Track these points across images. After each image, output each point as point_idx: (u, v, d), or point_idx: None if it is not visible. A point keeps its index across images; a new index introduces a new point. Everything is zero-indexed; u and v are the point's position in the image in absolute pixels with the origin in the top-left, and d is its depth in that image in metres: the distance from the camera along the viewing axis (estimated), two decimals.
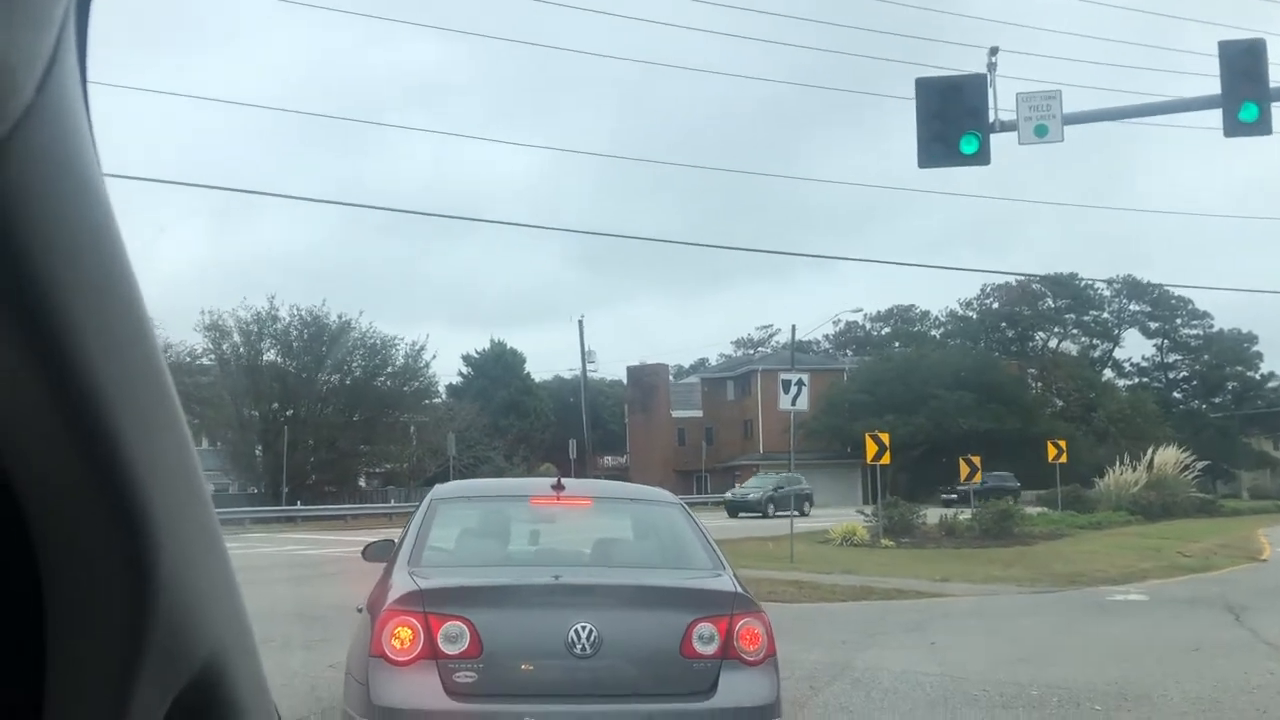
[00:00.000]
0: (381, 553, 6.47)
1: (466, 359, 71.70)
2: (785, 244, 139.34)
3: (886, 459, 25.34)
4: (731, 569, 5.78)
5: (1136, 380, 79.43)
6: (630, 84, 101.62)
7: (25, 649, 0.77)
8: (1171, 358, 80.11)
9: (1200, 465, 41.54)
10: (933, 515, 28.78)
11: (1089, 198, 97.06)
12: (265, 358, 46.72)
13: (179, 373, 39.55)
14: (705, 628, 5.10)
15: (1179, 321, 77.89)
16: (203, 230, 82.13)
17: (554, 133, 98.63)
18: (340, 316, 47.48)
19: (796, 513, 41.10)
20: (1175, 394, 78.94)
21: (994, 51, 14.50)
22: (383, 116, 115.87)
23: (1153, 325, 78.48)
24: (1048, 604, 15.72)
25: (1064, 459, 36.22)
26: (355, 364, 48.65)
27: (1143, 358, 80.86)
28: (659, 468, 63.24)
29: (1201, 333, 77.68)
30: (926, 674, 9.65)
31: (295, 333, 46.89)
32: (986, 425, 59.02)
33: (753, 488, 46.22)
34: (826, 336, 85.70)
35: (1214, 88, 13.28)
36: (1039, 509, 34.38)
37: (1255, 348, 76.34)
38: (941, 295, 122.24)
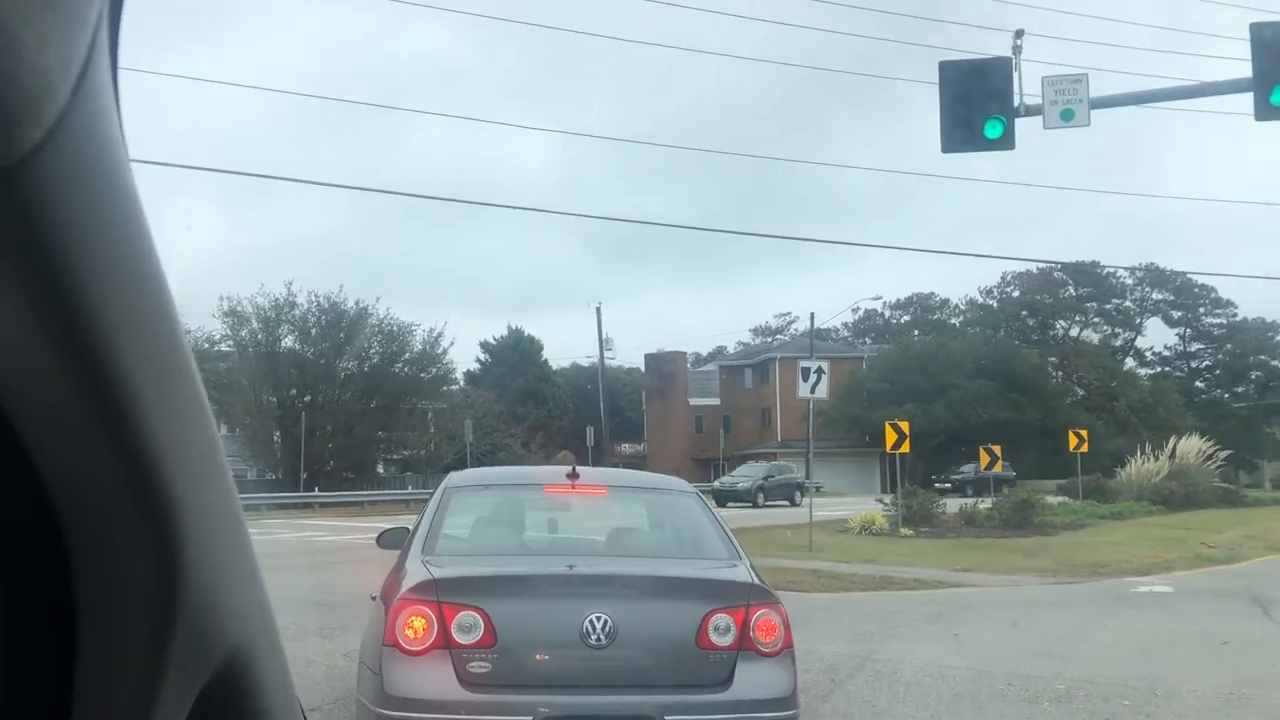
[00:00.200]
0: (396, 540, 6.44)
1: (484, 346, 71.75)
2: (805, 230, 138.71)
3: (906, 448, 25.17)
4: (748, 559, 5.71)
5: (1158, 369, 78.77)
6: (649, 69, 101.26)
7: (54, 639, 0.77)
8: (1194, 347, 79.38)
9: (1223, 455, 41.04)
10: (952, 504, 28.57)
11: (1112, 184, 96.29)
12: (283, 344, 46.73)
13: (198, 359, 39.19)
14: (721, 619, 5.05)
15: (1202, 310, 77.12)
16: (221, 215, 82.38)
17: (574, 118, 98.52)
18: (357, 303, 47.49)
19: (786, 502, 40.89)
20: (1198, 383, 78.22)
21: (1019, 34, 14.25)
22: (401, 101, 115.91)
23: (1175, 314, 77.75)
24: (1071, 595, 15.52)
25: (1085, 448, 35.90)
26: (373, 350, 48.60)
27: (1165, 347, 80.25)
28: (677, 456, 63.17)
29: (1225, 322, 76.90)
30: (950, 667, 9.49)
31: (313, 319, 46.88)
32: (1007, 414, 58.67)
33: (742, 476, 45.27)
34: (845, 324, 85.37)
35: (1244, 71, 13.03)
36: (1060, 499, 34.07)
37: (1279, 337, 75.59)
38: (961, 283, 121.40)
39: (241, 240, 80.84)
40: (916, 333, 79.04)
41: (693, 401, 72.54)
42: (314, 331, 46.97)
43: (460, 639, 4.86)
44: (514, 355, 69.64)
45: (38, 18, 0.54)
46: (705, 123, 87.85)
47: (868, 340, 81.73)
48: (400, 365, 49.20)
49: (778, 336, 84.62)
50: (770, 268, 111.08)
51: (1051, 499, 31.86)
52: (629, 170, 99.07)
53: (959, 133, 13.59)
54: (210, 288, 47.29)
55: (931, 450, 55.36)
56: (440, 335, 49.91)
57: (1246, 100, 12.87)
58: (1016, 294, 78.29)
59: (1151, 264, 72.05)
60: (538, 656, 4.95)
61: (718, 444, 67.07)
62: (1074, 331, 78.20)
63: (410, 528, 6.35)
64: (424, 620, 4.88)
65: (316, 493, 41.00)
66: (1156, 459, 38.53)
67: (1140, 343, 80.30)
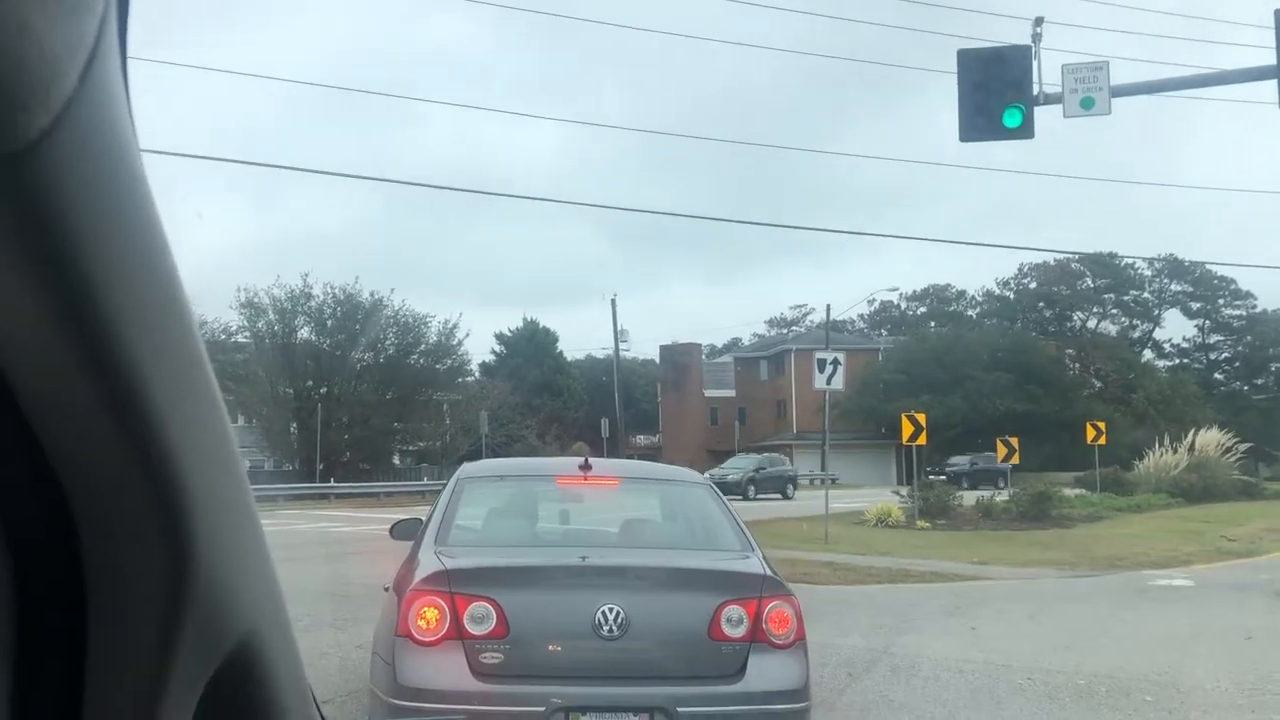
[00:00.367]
0: (409, 531, 6.44)
1: (499, 337, 71.81)
2: (821, 221, 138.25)
3: (923, 440, 25.04)
4: (760, 551, 5.69)
5: (1177, 361, 78.14)
6: (664, 58, 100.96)
7: (65, 626, 0.78)
8: (1213, 338, 78.72)
9: (1242, 448, 40.69)
10: (969, 497, 28.41)
11: (1130, 174, 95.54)
12: (299, 335, 46.87)
13: (214, 350, 39.83)
14: (734, 610, 5.04)
15: (1221, 302, 76.47)
16: (239, 207, 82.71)
17: (591, 108, 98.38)
18: (372, 294, 47.58)
19: (778, 495, 40.50)
20: (1216, 375, 77.57)
21: (1039, 22, 14.10)
22: (418, 91, 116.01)
23: (1194, 305, 77.13)
24: (1089, 588, 15.38)
25: (1103, 441, 35.67)
26: (388, 342, 48.71)
27: (1183, 338, 79.59)
28: (692, 447, 63.08)
29: (1244, 313, 76.21)
30: (968, 661, 9.39)
31: (329, 310, 47.01)
32: (1023, 406, 58.40)
33: (732, 468, 44.72)
34: (861, 316, 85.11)
35: (1266, 59, 12.85)
36: (1077, 491, 33.86)
37: None
38: (978, 274, 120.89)
39: (259, 231, 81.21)
40: (933, 324, 78.72)
41: (708, 393, 72.43)
42: (330, 323, 47.10)
43: (473, 630, 4.85)
44: (529, 347, 69.65)
45: (46, 3, 0.54)
46: (722, 113, 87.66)
47: (884, 332, 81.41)
48: (416, 357, 49.31)
49: (793, 328, 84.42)
50: (786, 259, 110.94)
51: (1069, 491, 31.66)
52: (645, 161, 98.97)
53: (977, 121, 13.46)
54: (228, 279, 47.57)
55: (948, 442, 55.14)
56: (455, 327, 50.04)
57: (1268, 88, 12.71)
58: (1033, 285, 77.82)
59: (1170, 255, 71.53)
60: (550, 647, 4.94)
61: (733, 436, 66.95)
62: (1091, 323, 77.69)
63: (423, 519, 6.33)
64: (437, 611, 4.87)
65: (332, 484, 41.17)
66: (1175, 451, 38.23)
67: (1158, 334, 79.79)
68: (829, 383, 21.11)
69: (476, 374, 59.77)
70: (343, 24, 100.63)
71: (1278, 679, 8.86)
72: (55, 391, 0.68)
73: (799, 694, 5.10)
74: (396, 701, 4.82)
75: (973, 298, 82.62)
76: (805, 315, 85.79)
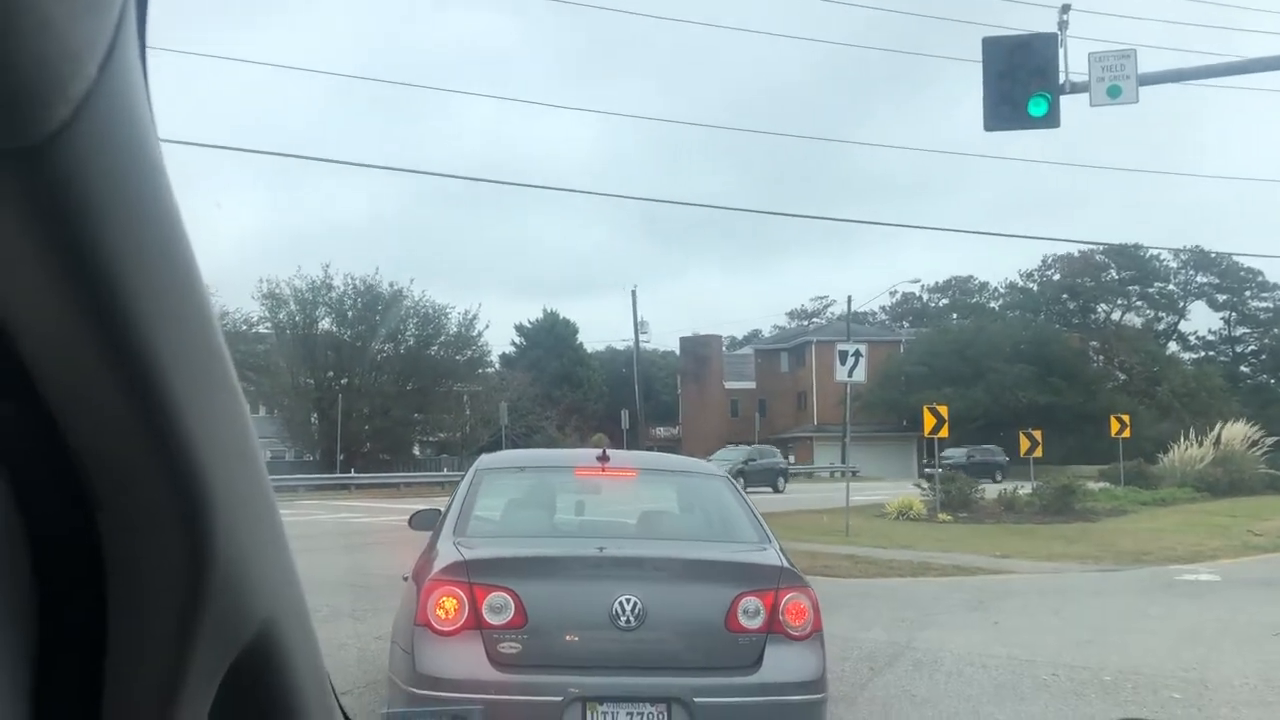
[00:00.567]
0: (428, 521, 6.51)
1: (519, 329, 71.87)
2: (843, 212, 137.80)
3: (945, 432, 24.91)
4: (777, 543, 5.71)
5: (1202, 354, 77.47)
6: (689, 48, 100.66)
7: (85, 616, 0.79)
8: (1239, 331, 78.00)
9: (1269, 441, 40.21)
10: (991, 490, 28.22)
11: (1156, 164, 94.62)
12: (320, 326, 47.02)
13: (236, 340, 40.00)
14: (751, 602, 5.06)
15: (1248, 294, 75.73)
16: (262, 197, 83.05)
17: (612, 98, 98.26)
18: (392, 285, 47.67)
19: (769, 489, 39.95)
20: (1243, 368, 76.87)
21: (1065, 9, 13.93)
22: (440, 83, 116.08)
23: (1220, 297, 76.41)
24: (1114, 583, 15.22)
25: (1127, 434, 35.37)
26: (409, 333, 48.79)
27: (1209, 331, 78.91)
28: (712, 439, 62.94)
29: (1272, 305, 75.44)
30: (992, 655, 9.28)
31: (349, 301, 47.11)
32: (1046, 399, 58.03)
33: (721, 460, 44.36)
34: (883, 308, 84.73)
35: None
36: (1101, 484, 33.57)
37: None
38: (1001, 266, 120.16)
39: (281, 222, 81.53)
40: (955, 316, 78.31)
41: (728, 385, 72.30)
42: (350, 314, 47.22)
43: (491, 619, 4.88)
44: (549, 338, 69.69)
45: None
46: (745, 104, 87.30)
47: (905, 324, 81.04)
48: (436, 348, 49.38)
49: (814, 320, 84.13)
50: (807, 250, 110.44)
51: (1093, 485, 31.40)
52: (666, 152, 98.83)
53: (1002, 110, 13.31)
54: (250, 270, 47.75)
55: (970, 435, 54.84)
56: (475, 318, 50.08)
57: None
58: (1057, 277, 77.27)
59: (1196, 246, 70.72)
60: (568, 637, 4.97)
61: (753, 428, 66.84)
62: (1115, 315, 77.09)
63: (442, 509, 6.38)
64: (455, 601, 4.91)
65: (353, 474, 41.28)
66: (1200, 445, 37.84)
67: (1184, 327, 79.13)
68: (850, 375, 20.98)
69: (496, 365, 59.78)
70: (364, 14, 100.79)
71: None
72: (76, 382, 0.68)
73: (815, 685, 5.11)
74: (415, 690, 4.85)
75: (995, 289, 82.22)
76: (826, 307, 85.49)
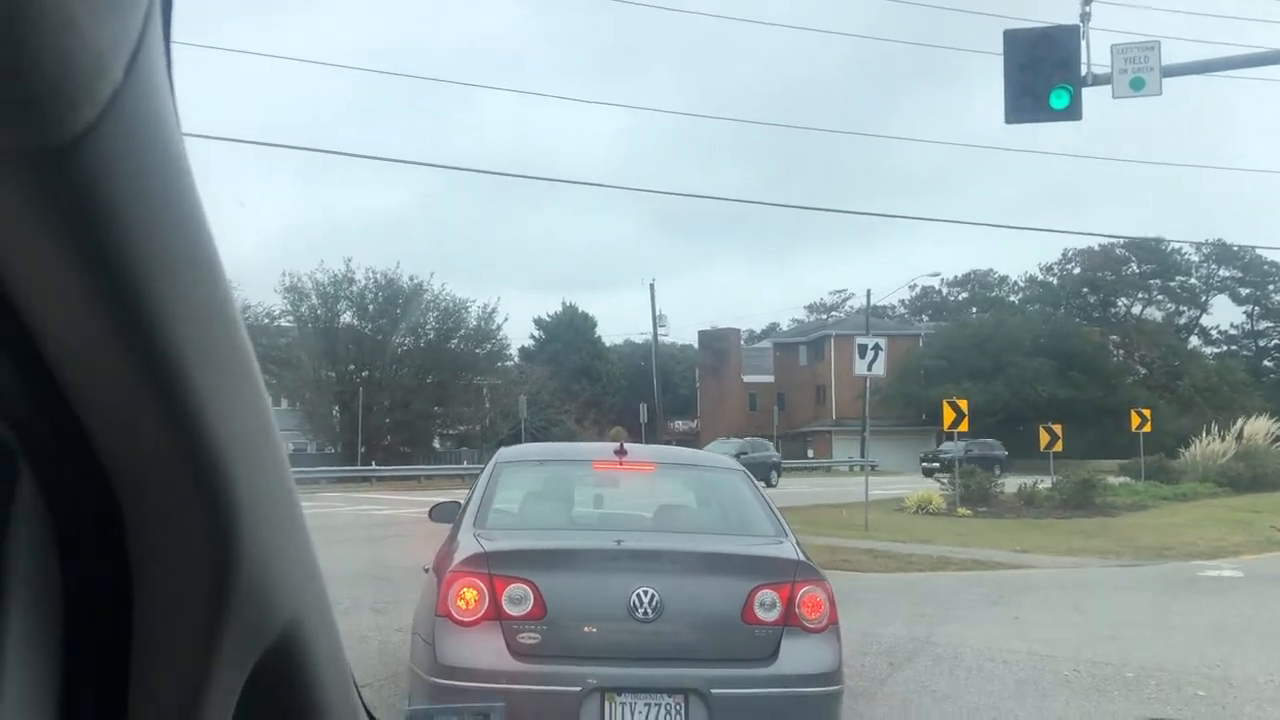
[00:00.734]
0: (447, 514, 6.56)
1: (538, 322, 71.92)
2: (863, 205, 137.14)
3: (964, 426, 24.80)
4: (794, 536, 5.75)
5: (1225, 348, 76.81)
6: (706, 43, 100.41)
7: (111, 615, 0.79)
8: (1262, 325, 77.27)
9: None
10: (1010, 484, 28.08)
11: (1177, 156, 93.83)
12: (342, 320, 47.21)
13: (258, 334, 40.23)
14: (767, 594, 5.10)
15: (1271, 287, 74.99)
16: (282, 191, 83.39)
17: (631, 93, 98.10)
18: (412, 279, 47.82)
19: (762, 483, 39.52)
20: (1266, 362, 76.17)
21: (1088, 0, 13.82)
22: (462, 77, 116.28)
23: (1243, 291, 75.71)
24: (1135, 578, 15.13)
25: (1148, 428, 35.12)
26: (429, 326, 48.94)
27: (1231, 325, 78.20)
28: (730, 433, 62.87)
29: None
30: (1012, 650, 9.25)
31: (370, 295, 47.31)
32: (1066, 393, 57.68)
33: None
34: (902, 302, 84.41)
35: None
36: (1122, 479, 33.36)
37: None
38: (1021, 260, 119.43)
39: (303, 216, 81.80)
40: (975, 310, 77.93)
41: (747, 379, 72.16)
42: (371, 308, 47.41)
43: (510, 610, 4.93)
44: (568, 332, 69.71)
45: None
46: (765, 97, 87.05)
47: (925, 318, 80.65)
48: (456, 341, 49.50)
49: (833, 313, 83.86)
50: (826, 244, 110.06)
51: (1113, 480, 31.20)
52: (686, 145, 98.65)
53: (1024, 103, 13.24)
54: (272, 263, 47.96)
55: (989, 429, 54.58)
56: (494, 311, 50.18)
57: None
58: (1077, 271, 76.76)
59: (1219, 240, 70.09)
60: (586, 629, 5.02)
61: (772, 421, 66.72)
62: (1136, 309, 76.53)
63: (461, 502, 6.46)
64: (475, 592, 4.96)
65: (374, 467, 41.47)
66: (1222, 439, 37.55)
67: (1205, 321, 78.46)
68: (870, 368, 20.93)
69: (516, 358, 59.89)
70: (385, 7, 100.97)
71: None
72: (101, 383, 0.68)
73: (831, 677, 5.15)
74: (436, 680, 4.91)
75: (1015, 283, 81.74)
76: (845, 300, 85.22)
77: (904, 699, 7.75)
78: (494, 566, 5.01)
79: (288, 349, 44.65)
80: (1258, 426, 38.85)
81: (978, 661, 8.84)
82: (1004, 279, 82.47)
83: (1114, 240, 72.91)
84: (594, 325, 71.61)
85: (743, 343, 76.64)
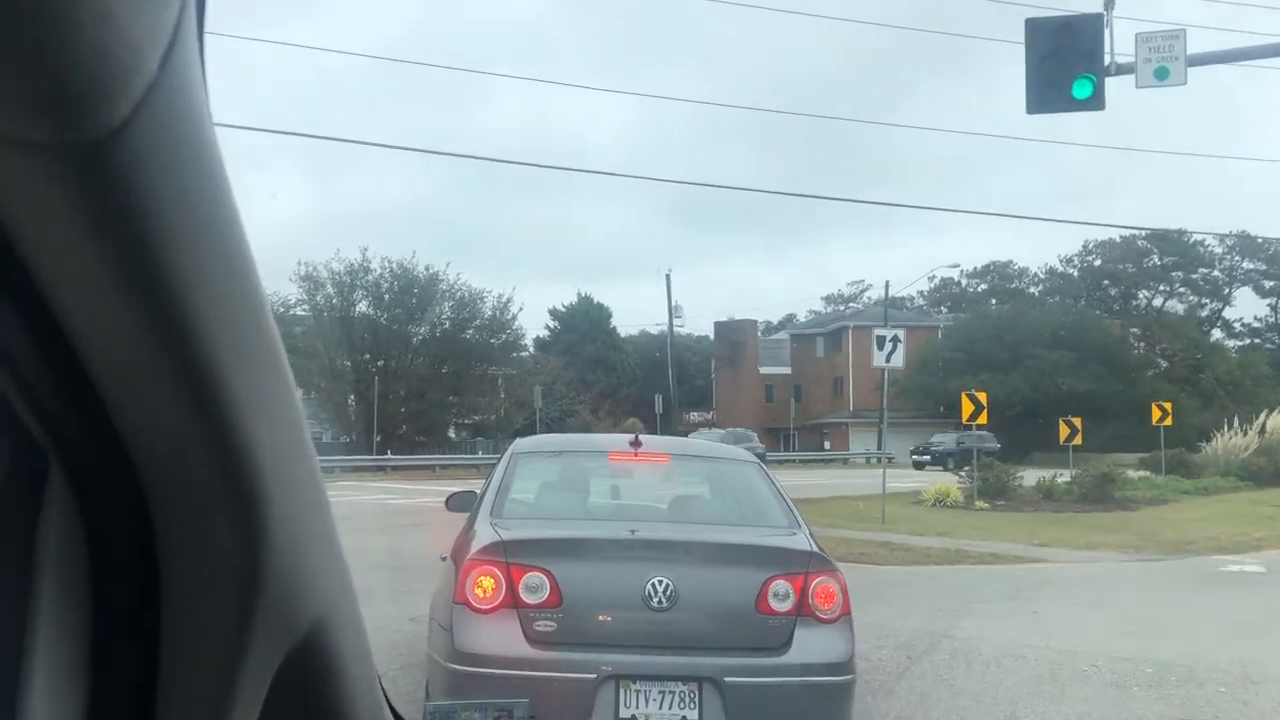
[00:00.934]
0: (463, 503, 6.66)
1: (553, 313, 71.96)
2: (881, 196, 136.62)
3: (983, 419, 24.67)
4: (807, 528, 5.79)
5: (1247, 341, 76.14)
6: (723, 30, 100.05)
7: (140, 611, 0.80)
8: None
9: None
10: (1029, 477, 27.92)
11: (1201, 146, 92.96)
12: (358, 309, 47.38)
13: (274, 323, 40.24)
14: (780, 585, 5.16)
15: None
16: (298, 180, 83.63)
17: (648, 81, 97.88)
18: (428, 269, 47.91)
19: None
20: None
21: None
22: (479, 66, 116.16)
23: (1268, 284, 75.02)
24: (1155, 573, 15.00)
25: (1169, 422, 34.85)
26: (444, 316, 49.04)
27: (1255, 318, 77.51)
28: (747, 425, 62.71)
29: None
30: (1030, 646, 9.16)
31: (386, 284, 47.44)
32: (1086, 386, 57.33)
33: None
34: (921, 293, 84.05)
35: None
36: (1141, 473, 33.13)
37: None
38: (1041, 251, 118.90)
39: (319, 205, 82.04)
40: (994, 302, 77.50)
41: (763, 370, 72.04)
42: (387, 297, 47.55)
43: (527, 598, 5.01)
44: (583, 322, 69.73)
45: None
46: (783, 86, 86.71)
47: (943, 309, 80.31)
48: (471, 331, 49.59)
49: (850, 305, 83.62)
50: (844, 235, 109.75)
51: (1133, 473, 30.99)
52: (703, 135, 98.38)
53: (1046, 93, 13.10)
54: (288, 252, 48.04)
55: (1008, 421, 54.32)
56: (510, 301, 50.23)
57: None
58: (1098, 263, 76.20)
59: (1242, 231, 69.44)
60: (601, 617, 5.09)
61: (788, 413, 66.63)
62: (1158, 301, 75.96)
63: (477, 491, 6.55)
64: (493, 580, 5.04)
65: (389, 456, 41.61)
66: (1245, 433, 37.24)
67: (1228, 313, 77.79)
68: (888, 360, 20.80)
69: (531, 349, 59.99)
70: None
71: None
72: (133, 378, 0.69)
73: (844, 666, 5.20)
74: (454, 666, 4.99)
75: (1035, 275, 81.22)
76: (863, 292, 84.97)
77: (922, 692, 7.68)
78: (511, 555, 5.08)
79: (303, 338, 44.83)
80: None
81: (996, 656, 8.76)
82: (1024, 270, 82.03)
83: (1136, 232, 72.41)
84: (609, 316, 71.67)
85: (759, 334, 76.53)
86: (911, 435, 58.81)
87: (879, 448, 44.69)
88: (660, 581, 5.02)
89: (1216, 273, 75.96)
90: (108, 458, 0.74)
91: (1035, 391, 57.60)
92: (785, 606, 5.13)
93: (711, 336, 76.57)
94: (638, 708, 4.90)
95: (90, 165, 0.56)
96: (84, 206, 0.57)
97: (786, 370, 72.68)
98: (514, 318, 51.03)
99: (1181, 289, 76.03)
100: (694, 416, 71.08)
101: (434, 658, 5.30)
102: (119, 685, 0.80)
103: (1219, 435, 37.74)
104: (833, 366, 69.87)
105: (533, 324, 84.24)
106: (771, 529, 5.81)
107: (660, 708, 4.91)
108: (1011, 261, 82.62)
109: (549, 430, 37.66)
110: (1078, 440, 32.56)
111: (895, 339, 20.69)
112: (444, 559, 5.82)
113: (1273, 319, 76.71)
